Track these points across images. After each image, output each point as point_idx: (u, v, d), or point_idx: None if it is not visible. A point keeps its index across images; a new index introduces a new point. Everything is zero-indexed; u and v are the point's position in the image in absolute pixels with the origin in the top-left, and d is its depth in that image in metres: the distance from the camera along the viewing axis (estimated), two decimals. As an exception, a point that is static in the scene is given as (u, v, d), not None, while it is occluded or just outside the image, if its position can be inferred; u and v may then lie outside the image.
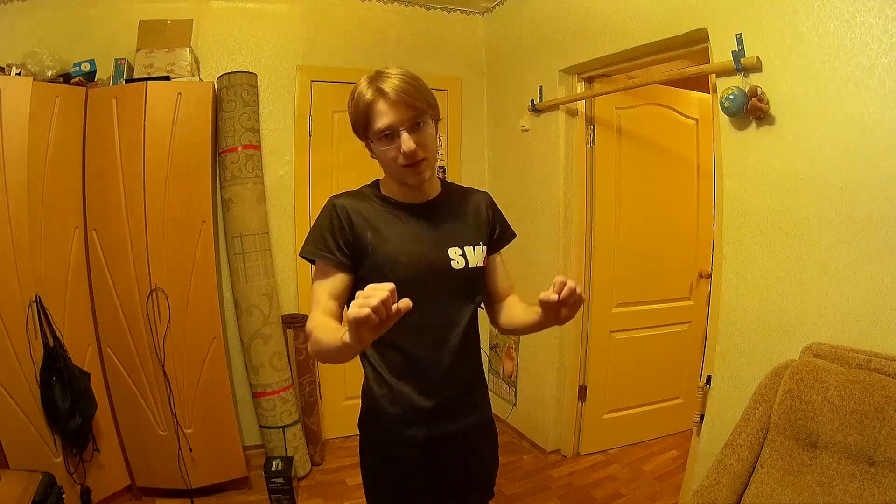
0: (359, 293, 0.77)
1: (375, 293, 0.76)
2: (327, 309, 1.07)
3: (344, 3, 2.87)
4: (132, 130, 2.18)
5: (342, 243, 1.09)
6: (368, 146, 1.12)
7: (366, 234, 1.10)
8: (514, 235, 1.31)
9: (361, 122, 1.07)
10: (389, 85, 1.03)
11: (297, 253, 1.18)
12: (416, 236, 1.13)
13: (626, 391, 2.82)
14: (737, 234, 1.78)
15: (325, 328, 0.99)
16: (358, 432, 1.22)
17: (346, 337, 0.81)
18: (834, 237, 1.49)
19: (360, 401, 1.21)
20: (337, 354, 0.92)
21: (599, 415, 2.79)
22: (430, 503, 1.18)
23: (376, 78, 1.05)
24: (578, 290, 0.94)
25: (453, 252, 1.14)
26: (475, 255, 1.17)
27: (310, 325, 1.04)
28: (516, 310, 1.23)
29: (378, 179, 1.21)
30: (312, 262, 1.12)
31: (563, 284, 0.93)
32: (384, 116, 1.04)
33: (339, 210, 1.11)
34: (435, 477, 1.16)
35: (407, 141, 1.03)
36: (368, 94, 1.04)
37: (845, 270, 1.47)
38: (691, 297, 2.89)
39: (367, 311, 0.74)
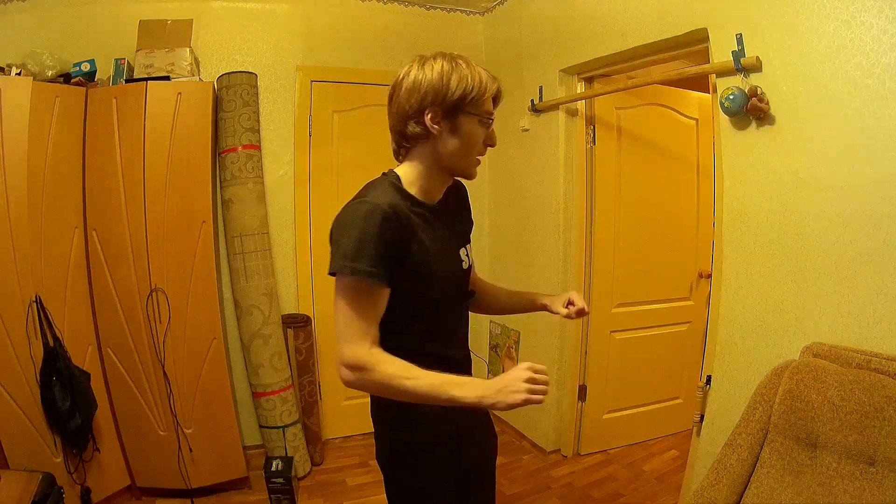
0: (524, 374, 0.85)
1: (544, 379, 0.84)
2: (375, 338, 0.96)
3: (344, 3, 2.87)
4: (132, 130, 2.18)
5: (389, 258, 0.95)
6: (450, 121, 1.01)
7: (411, 245, 0.99)
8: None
9: (473, 97, 1.00)
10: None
11: (329, 270, 0.96)
12: (443, 243, 1.08)
13: (625, 391, 2.82)
14: (737, 234, 1.78)
15: (406, 372, 0.92)
16: (365, 431, 1.21)
17: (464, 395, 0.87)
18: (834, 237, 1.49)
19: (386, 420, 1.12)
20: (419, 399, 0.92)
21: (599, 415, 2.79)
22: (455, 495, 1.18)
23: (472, 64, 1.03)
24: (587, 310, 1.21)
25: (462, 253, 1.15)
26: (471, 252, 1.21)
27: (369, 359, 0.93)
28: (500, 292, 1.33)
29: (395, 173, 1.07)
30: (333, 275, 0.97)
31: (577, 309, 1.20)
32: (489, 105, 1.05)
33: (391, 218, 0.94)
34: (457, 469, 1.16)
35: (494, 133, 1.07)
36: (491, 79, 1.04)
37: (845, 270, 1.47)
38: (691, 297, 2.89)
39: (541, 399, 0.81)
